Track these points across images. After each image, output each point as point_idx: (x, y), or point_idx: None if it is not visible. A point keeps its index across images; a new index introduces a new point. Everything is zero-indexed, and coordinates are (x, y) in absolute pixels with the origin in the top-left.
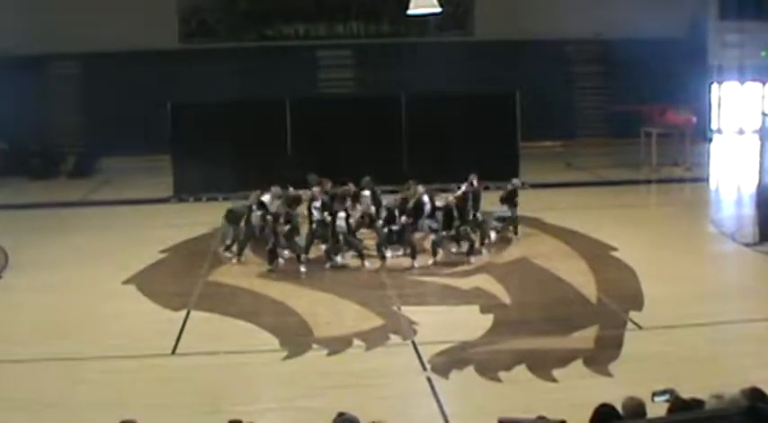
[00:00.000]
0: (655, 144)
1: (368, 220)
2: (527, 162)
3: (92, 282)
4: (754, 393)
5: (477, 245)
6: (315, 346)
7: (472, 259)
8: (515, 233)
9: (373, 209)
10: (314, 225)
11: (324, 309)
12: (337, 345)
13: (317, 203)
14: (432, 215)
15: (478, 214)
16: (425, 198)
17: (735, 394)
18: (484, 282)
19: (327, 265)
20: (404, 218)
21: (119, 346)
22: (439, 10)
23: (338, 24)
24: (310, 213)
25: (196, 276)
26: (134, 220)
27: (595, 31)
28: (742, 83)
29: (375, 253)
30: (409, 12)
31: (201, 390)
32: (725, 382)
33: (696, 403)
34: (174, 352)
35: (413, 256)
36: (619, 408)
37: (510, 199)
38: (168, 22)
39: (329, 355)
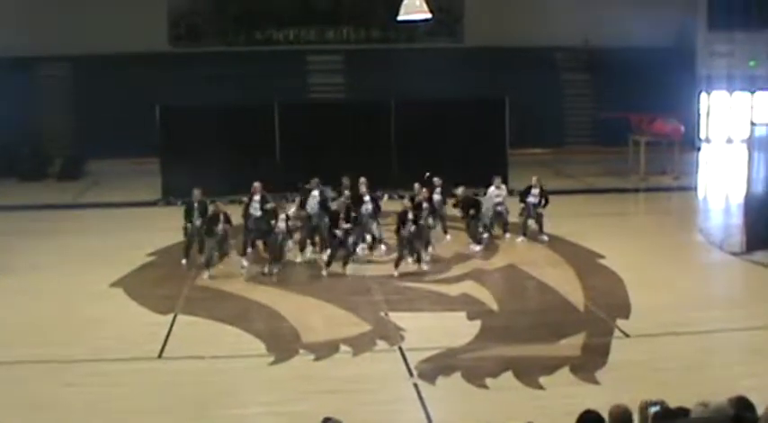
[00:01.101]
0: (643, 153)
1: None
2: (515, 169)
3: (80, 284)
4: (741, 402)
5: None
6: (302, 351)
7: (424, 267)
8: (540, 231)
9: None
10: (249, 222)
11: (311, 314)
12: (324, 350)
13: (257, 197)
14: (374, 215)
15: (429, 221)
16: (367, 197)
17: (721, 403)
18: (471, 288)
19: (266, 269)
20: (347, 224)
21: (106, 349)
22: (429, 16)
23: (328, 29)
24: (247, 209)
25: (183, 280)
26: (122, 222)
27: (584, 39)
28: (730, 92)
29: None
30: (399, 18)
31: (188, 394)
32: (711, 391)
33: (682, 412)
34: (160, 356)
35: (345, 262)
36: (605, 415)
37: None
38: (159, 26)
39: (316, 360)
